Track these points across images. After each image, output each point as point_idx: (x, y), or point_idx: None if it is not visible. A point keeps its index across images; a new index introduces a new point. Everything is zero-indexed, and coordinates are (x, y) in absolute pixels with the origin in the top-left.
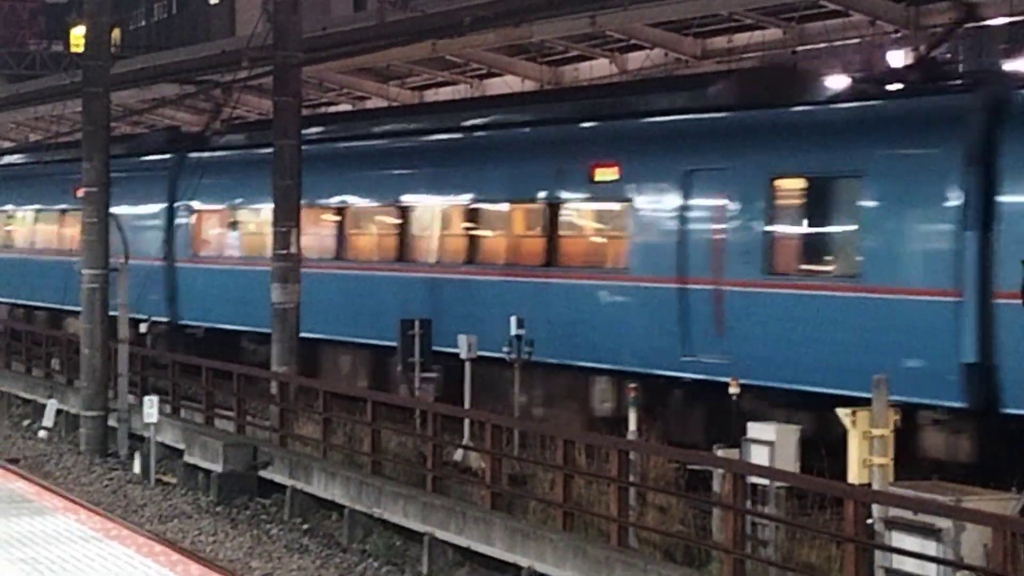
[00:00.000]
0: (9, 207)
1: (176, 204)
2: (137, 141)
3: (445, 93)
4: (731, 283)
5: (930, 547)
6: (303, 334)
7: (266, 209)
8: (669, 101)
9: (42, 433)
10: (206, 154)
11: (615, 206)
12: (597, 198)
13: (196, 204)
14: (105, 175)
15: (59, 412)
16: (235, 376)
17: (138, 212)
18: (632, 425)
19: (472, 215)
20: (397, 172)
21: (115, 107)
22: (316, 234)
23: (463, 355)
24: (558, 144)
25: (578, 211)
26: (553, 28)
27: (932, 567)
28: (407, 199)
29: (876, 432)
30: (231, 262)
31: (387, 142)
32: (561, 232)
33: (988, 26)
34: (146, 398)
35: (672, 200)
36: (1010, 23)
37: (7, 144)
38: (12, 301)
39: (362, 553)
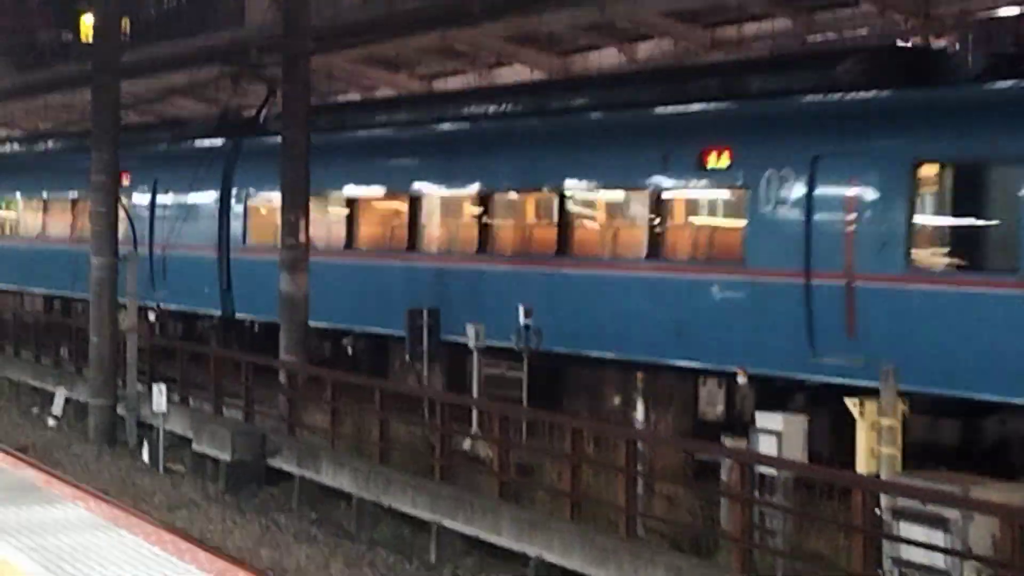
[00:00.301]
0: (44, 195)
1: (231, 192)
2: (186, 127)
3: (454, 83)
4: (867, 278)
5: (938, 537)
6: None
7: (331, 197)
8: (788, 81)
9: (51, 421)
10: (266, 140)
11: (729, 194)
12: (708, 185)
13: (253, 192)
14: (114, 164)
15: (68, 400)
16: (243, 365)
17: (188, 201)
18: (639, 415)
19: (563, 204)
20: (476, 158)
21: (125, 96)
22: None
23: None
24: (665, 129)
25: (686, 200)
26: (561, 18)
27: (940, 557)
28: (480, 188)
29: (884, 422)
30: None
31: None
32: (665, 223)
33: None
34: (155, 387)
35: (797, 188)
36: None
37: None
38: (48, 292)
39: (370, 542)
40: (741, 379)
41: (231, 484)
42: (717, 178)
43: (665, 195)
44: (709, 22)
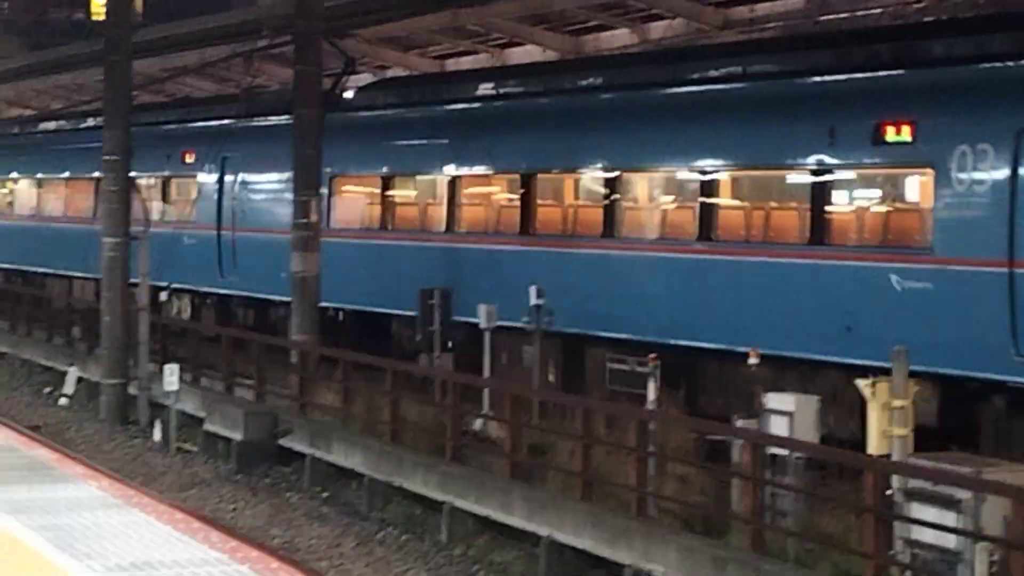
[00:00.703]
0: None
1: None
2: (257, 101)
3: (466, 63)
4: None
5: (949, 518)
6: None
7: (422, 177)
8: (974, 46)
9: (63, 401)
10: (349, 115)
11: (911, 173)
12: (885, 163)
13: (336, 171)
14: (126, 143)
15: (80, 380)
16: (255, 345)
17: (263, 180)
18: (651, 395)
19: (707, 185)
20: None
21: (136, 75)
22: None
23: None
24: (831, 99)
25: (856, 179)
26: None
27: (951, 538)
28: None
29: (896, 403)
30: (379, 236)
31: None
32: (831, 205)
33: None
34: (166, 366)
35: (995, 166)
36: None
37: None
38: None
39: (381, 522)
40: (753, 359)
41: (242, 464)
42: (896, 154)
43: (831, 174)
44: (721, 2)
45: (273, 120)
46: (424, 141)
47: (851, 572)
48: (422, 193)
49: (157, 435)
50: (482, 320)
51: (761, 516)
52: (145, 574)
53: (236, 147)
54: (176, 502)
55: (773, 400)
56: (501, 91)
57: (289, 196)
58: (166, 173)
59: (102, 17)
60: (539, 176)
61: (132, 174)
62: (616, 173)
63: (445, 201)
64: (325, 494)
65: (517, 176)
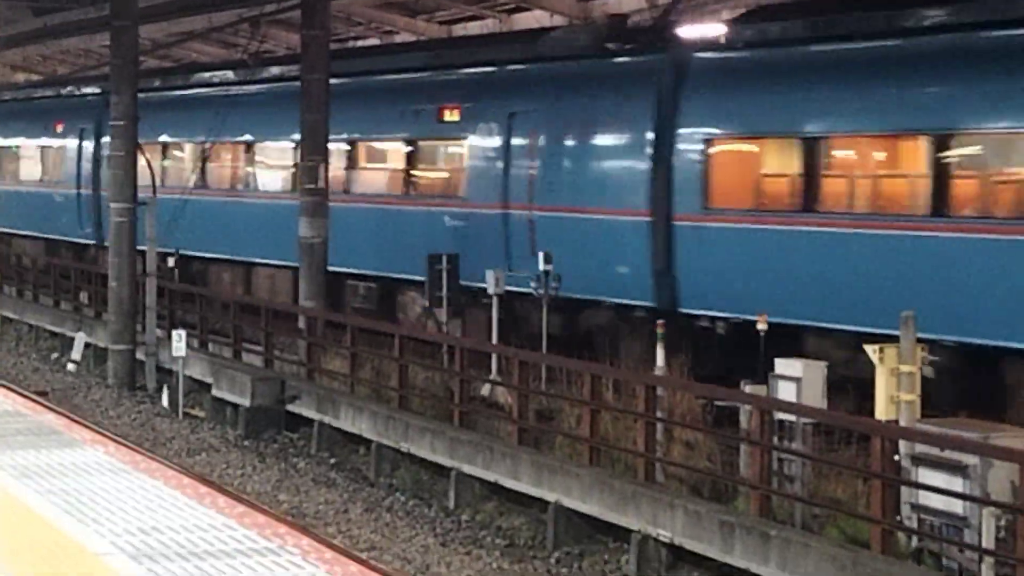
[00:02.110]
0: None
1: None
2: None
3: (473, 28)
4: None
5: (957, 484)
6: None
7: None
8: None
9: (70, 366)
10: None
11: None
12: None
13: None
14: (133, 108)
15: (87, 345)
16: (263, 311)
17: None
18: (660, 361)
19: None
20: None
21: (143, 41)
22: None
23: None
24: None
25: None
26: None
27: (958, 503)
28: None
29: (904, 368)
30: None
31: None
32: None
33: None
34: (174, 332)
35: None
36: None
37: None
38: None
39: (389, 487)
40: (761, 325)
41: (250, 429)
42: None
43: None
44: None
45: (575, 66)
46: None
47: (858, 537)
48: None
49: (165, 401)
50: (489, 285)
51: (768, 481)
52: (153, 539)
53: (531, 101)
54: (184, 467)
55: (781, 366)
56: None
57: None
58: (408, 134)
59: None
60: None
61: (344, 137)
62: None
63: None
64: (333, 460)
65: None
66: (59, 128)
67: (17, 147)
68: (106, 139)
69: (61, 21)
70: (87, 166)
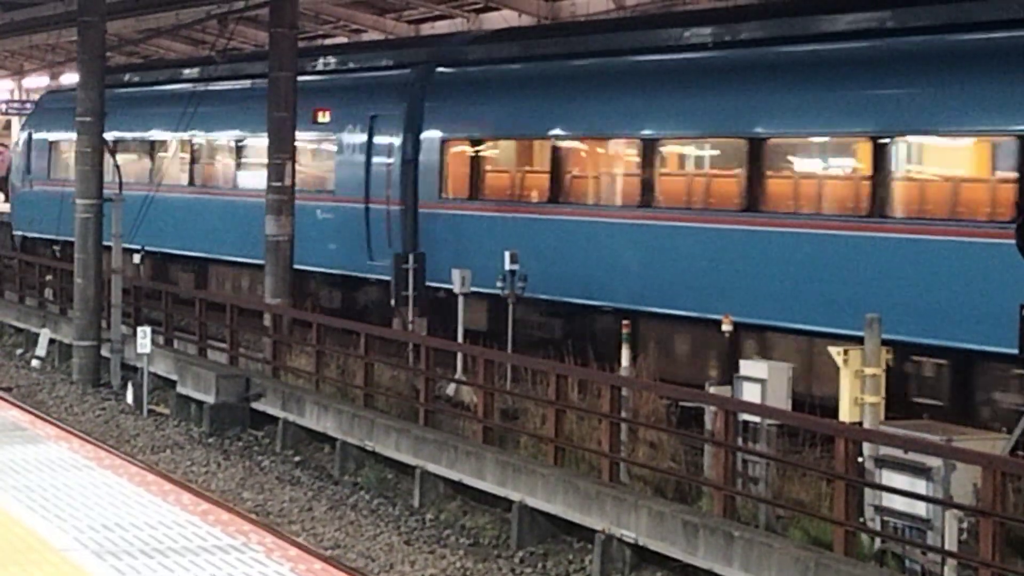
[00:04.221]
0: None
1: None
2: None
3: (442, 27)
4: None
5: (920, 486)
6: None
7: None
8: None
9: (35, 362)
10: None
11: None
12: None
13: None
14: (100, 105)
15: (52, 342)
16: (228, 308)
17: None
18: (625, 361)
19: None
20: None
21: (110, 37)
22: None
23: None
24: None
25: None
26: None
27: (922, 505)
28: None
29: (868, 371)
30: None
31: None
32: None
33: None
34: (139, 329)
35: None
36: None
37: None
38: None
39: (354, 485)
40: (726, 326)
41: (215, 426)
42: None
43: None
44: None
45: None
46: None
47: (821, 539)
48: None
49: (129, 398)
50: (456, 285)
51: (733, 482)
52: (117, 535)
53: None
54: (148, 464)
55: (746, 367)
56: None
57: None
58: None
59: None
60: None
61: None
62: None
63: None
64: (297, 458)
65: None
66: (324, 117)
67: (236, 142)
68: (428, 133)
69: (29, 16)
70: (384, 170)
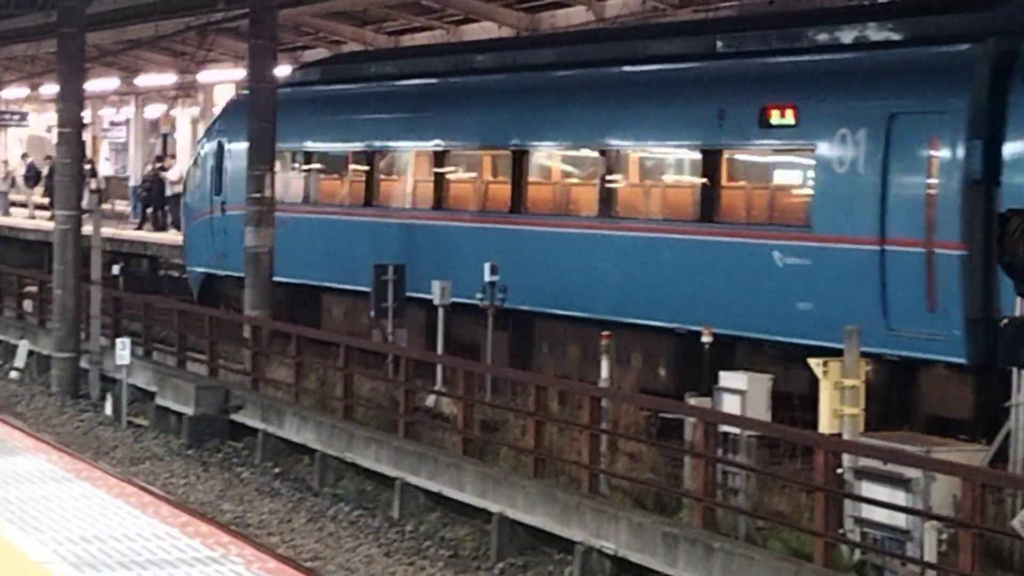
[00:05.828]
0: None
1: None
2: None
3: (421, 39)
4: None
5: (899, 497)
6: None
7: None
8: None
9: (13, 374)
10: None
11: None
12: None
13: None
14: (79, 116)
15: (31, 353)
16: (208, 320)
17: None
18: (604, 372)
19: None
20: None
21: (89, 48)
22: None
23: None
24: None
25: None
26: None
27: (901, 516)
28: None
29: (847, 383)
30: None
31: None
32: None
33: None
34: (118, 340)
35: None
36: None
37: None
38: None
39: (333, 497)
40: (706, 338)
41: (194, 438)
42: None
43: None
44: None
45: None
46: None
47: (801, 550)
48: None
49: (108, 409)
50: (436, 296)
51: (713, 494)
52: (95, 547)
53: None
54: (127, 476)
55: (726, 378)
56: None
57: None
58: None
59: None
60: None
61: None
62: None
63: None
64: (277, 469)
65: None
66: (786, 117)
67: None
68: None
69: (7, 27)
70: (919, 196)
